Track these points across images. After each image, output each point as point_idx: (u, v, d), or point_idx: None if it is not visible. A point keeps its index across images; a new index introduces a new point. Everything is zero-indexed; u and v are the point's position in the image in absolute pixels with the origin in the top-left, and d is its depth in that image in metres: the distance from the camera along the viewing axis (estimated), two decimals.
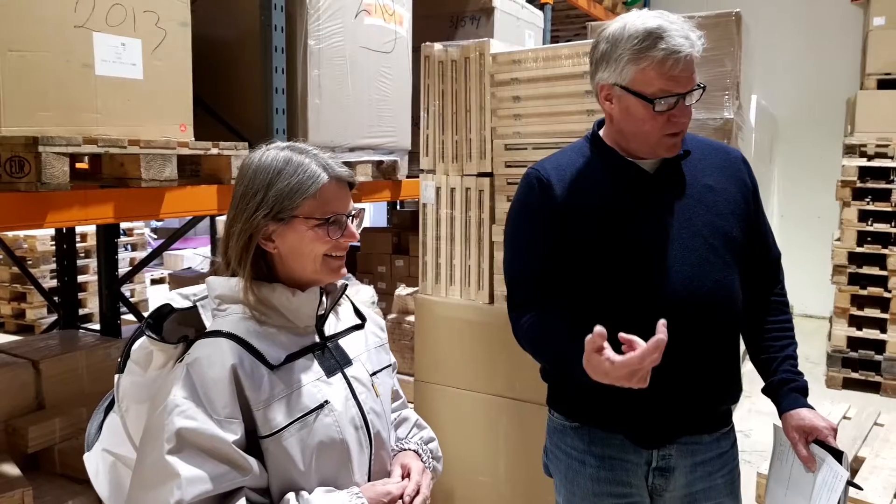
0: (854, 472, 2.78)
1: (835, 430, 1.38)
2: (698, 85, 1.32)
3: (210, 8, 2.50)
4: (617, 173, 1.41)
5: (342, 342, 1.21)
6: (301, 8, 2.47)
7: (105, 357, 2.74)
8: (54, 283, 5.22)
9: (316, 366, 1.14)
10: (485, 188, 2.35)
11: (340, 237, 1.13)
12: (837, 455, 1.37)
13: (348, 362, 1.19)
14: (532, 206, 1.45)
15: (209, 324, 1.11)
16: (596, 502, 1.45)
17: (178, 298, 1.13)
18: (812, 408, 1.43)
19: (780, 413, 1.45)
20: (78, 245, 4.57)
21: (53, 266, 5.69)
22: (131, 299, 4.87)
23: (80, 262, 5.02)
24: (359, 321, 1.28)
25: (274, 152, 1.13)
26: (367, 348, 1.25)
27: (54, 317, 5.18)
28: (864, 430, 3.15)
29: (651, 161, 1.41)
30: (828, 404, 3.53)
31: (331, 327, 1.21)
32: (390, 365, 1.32)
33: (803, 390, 1.45)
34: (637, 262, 1.36)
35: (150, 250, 6.90)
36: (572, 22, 5.96)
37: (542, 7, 4.64)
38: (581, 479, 1.46)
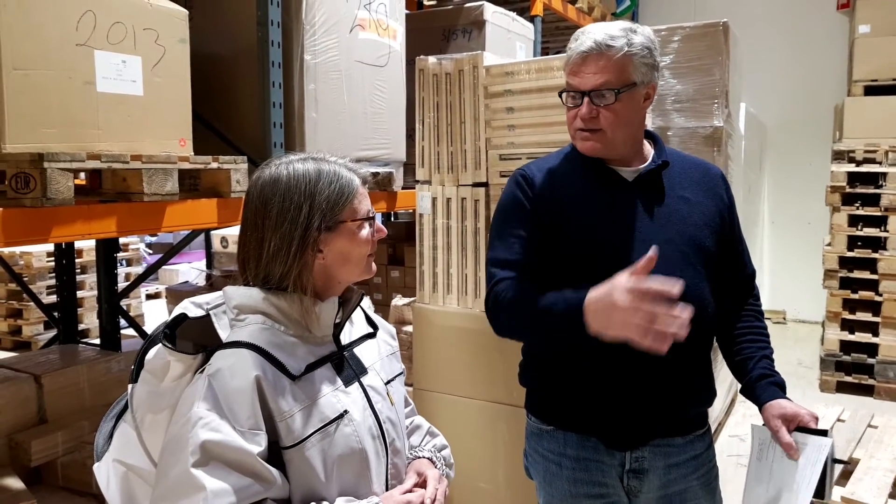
0: (849, 473, 2.81)
1: (816, 418, 1.40)
2: (614, 90, 1.37)
3: (208, 25, 2.54)
4: (594, 178, 1.46)
5: (357, 351, 1.22)
6: (297, 23, 2.52)
7: (106, 371, 2.75)
8: (51, 299, 5.23)
9: (334, 375, 1.14)
10: (480, 198, 2.39)
11: (372, 234, 1.18)
12: (822, 434, 1.38)
13: (364, 371, 1.20)
14: (515, 201, 1.51)
15: (223, 333, 1.10)
16: (574, 503, 1.47)
17: (191, 307, 1.12)
18: (790, 399, 1.44)
19: (760, 405, 1.45)
20: (75, 261, 4.58)
21: (49, 282, 5.70)
22: None
23: (77, 278, 5.02)
24: (371, 329, 1.29)
25: (300, 165, 1.14)
26: (381, 356, 1.26)
27: (51, 333, 5.18)
28: (857, 433, 3.19)
29: (630, 170, 1.46)
30: (822, 407, 3.57)
31: (345, 336, 1.21)
32: (401, 372, 1.33)
33: (781, 386, 1.47)
34: (608, 264, 1.39)
35: (145, 265, 6.90)
36: (562, 33, 6.04)
37: (532, 19, 4.71)
38: (559, 481, 1.49)
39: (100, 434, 1.18)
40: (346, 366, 1.17)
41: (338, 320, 1.18)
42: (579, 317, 1.23)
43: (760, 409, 1.45)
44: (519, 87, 2.27)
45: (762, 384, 1.47)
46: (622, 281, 1.18)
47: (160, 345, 1.08)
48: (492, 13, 3.65)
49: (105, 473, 1.15)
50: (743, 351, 1.52)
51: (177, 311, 1.12)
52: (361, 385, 1.17)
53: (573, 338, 1.28)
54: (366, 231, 1.16)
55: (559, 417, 1.50)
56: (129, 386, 1.12)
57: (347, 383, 1.15)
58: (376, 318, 1.34)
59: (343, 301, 1.21)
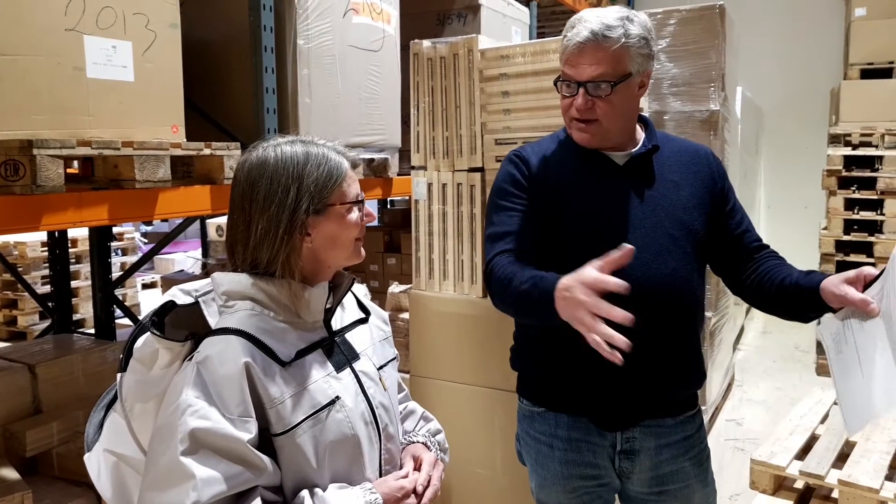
0: (845, 455, 2.82)
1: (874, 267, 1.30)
2: (610, 82, 1.36)
3: (199, 9, 2.50)
4: (587, 163, 1.48)
5: (348, 336, 1.21)
6: (290, 8, 2.49)
7: (101, 360, 2.74)
8: (46, 288, 5.20)
9: (325, 361, 1.13)
10: (476, 183, 2.37)
11: (360, 218, 1.16)
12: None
13: (356, 357, 1.19)
14: (513, 178, 1.51)
15: (212, 320, 1.09)
16: (566, 485, 1.48)
17: (179, 294, 1.11)
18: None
19: (819, 290, 1.33)
20: (69, 250, 4.55)
21: (44, 272, 5.68)
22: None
23: (71, 268, 5.01)
24: (363, 315, 1.28)
25: (288, 147, 1.12)
26: (373, 342, 1.25)
27: (46, 323, 5.16)
28: None
29: (621, 154, 1.48)
30: (819, 391, 3.58)
31: (337, 322, 1.20)
32: (395, 358, 1.32)
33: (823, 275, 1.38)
34: (596, 248, 1.39)
35: (140, 254, 6.89)
36: (558, 18, 6.00)
37: (528, 3, 4.67)
38: (550, 463, 1.50)
39: (90, 424, 1.17)
40: (337, 351, 1.16)
41: (328, 305, 1.17)
42: (551, 304, 1.22)
43: (821, 292, 1.33)
44: (514, 71, 2.24)
45: (806, 276, 1.39)
46: (585, 272, 1.18)
47: (149, 333, 1.06)
48: None
49: (96, 463, 1.14)
50: (782, 280, 1.43)
51: (164, 298, 1.11)
52: (353, 370, 1.17)
53: (550, 322, 1.25)
54: (354, 214, 1.15)
55: (550, 399, 1.51)
56: (118, 375, 1.11)
57: (339, 369, 1.14)
58: (368, 303, 1.33)
59: (334, 286, 1.19)
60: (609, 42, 1.35)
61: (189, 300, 1.11)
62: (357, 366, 1.18)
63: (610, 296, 1.39)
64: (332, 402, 1.10)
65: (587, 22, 1.36)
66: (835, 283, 1.30)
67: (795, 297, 1.40)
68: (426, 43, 2.43)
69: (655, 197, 1.45)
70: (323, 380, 1.10)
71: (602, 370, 1.41)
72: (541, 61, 2.19)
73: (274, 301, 1.10)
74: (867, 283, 1.28)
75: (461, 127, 2.38)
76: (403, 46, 2.99)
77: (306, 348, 1.11)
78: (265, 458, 1.02)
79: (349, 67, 2.76)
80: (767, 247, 1.56)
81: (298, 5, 2.49)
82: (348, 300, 1.28)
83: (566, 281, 1.20)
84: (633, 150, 1.48)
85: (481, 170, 2.36)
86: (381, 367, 1.24)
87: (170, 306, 1.09)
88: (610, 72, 1.37)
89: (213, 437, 0.98)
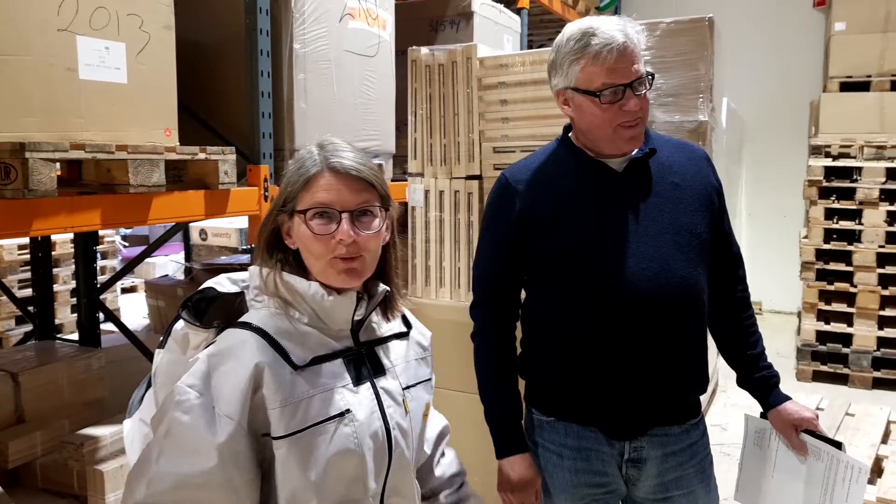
0: None
1: (817, 416, 1.55)
2: (648, 73, 1.39)
3: (194, 12, 2.46)
4: (585, 172, 1.45)
5: (379, 350, 1.15)
6: (286, 12, 2.46)
7: (86, 368, 2.66)
8: (23, 293, 5.07)
9: (344, 372, 1.08)
10: (473, 191, 2.36)
11: (330, 235, 1.03)
12: (834, 444, 1.49)
13: (381, 372, 1.13)
14: (499, 212, 1.51)
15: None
16: (575, 493, 1.49)
17: (226, 283, 1.12)
18: (791, 398, 1.58)
19: (767, 408, 1.59)
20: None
21: (22, 276, 5.53)
22: None
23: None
24: (404, 329, 1.23)
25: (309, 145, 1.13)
26: (406, 359, 1.19)
27: (23, 328, 5.03)
28: (836, 421, 3.25)
29: (619, 160, 1.45)
30: (804, 396, 3.63)
31: (370, 333, 1.15)
32: (428, 379, 1.25)
33: (779, 383, 1.60)
34: (603, 259, 1.41)
35: (120, 258, 6.75)
36: (546, 26, 6.03)
37: (518, 11, 4.69)
38: (560, 472, 1.51)
39: (136, 393, 1.22)
40: (361, 364, 1.11)
41: (358, 317, 1.12)
42: (496, 442, 1.56)
43: (767, 411, 1.59)
44: (513, 80, 2.24)
45: (766, 387, 1.59)
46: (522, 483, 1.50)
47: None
48: (479, 4, 3.62)
49: (130, 430, 1.18)
50: (741, 346, 1.61)
51: (206, 284, 1.12)
52: (374, 386, 1.11)
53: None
54: (317, 227, 1.03)
55: (560, 408, 1.51)
56: (157, 351, 1.14)
57: (358, 382, 1.09)
58: (414, 320, 1.27)
59: (369, 297, 1.14)
60: (634, 43, 1.37)
61: (235, 289, 1.13)
62: (380, 382, 1.12)
63: (615, 305, 1.40)
64: (342, 415, 1.04)
65: (610, 27, 1.36)
66: (781, 418, 1.55)
67: (745, 383, 1.62)
68: (424, 50, 2.42)
69: (657, 203, 1.43)
70: (336, 390, 1.06)
71: (613, 380, 1.43)
72: (540, 70, 2.19)
73: (300, 303, 1.07)
74: (806, 430, 1.53)
75: (459, 135, 2.38)
76: (397, 52, 2.98)
77: (326, 355, 1.08)
78: (239, 468, 1.01)
79: (345, 72, 2.74)
80: (740, 271, 1.61)
81: (295, 9, 2.47)
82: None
83: (506, 473, 1.52)
84: (631, 153, 1.44)
85: (479, 178, 2.35)
86: (408, 388, 1.17)
87: (211, 294, 1.11)
88: (643, 69, 1.39)
89: (187, 434, 0.99)
